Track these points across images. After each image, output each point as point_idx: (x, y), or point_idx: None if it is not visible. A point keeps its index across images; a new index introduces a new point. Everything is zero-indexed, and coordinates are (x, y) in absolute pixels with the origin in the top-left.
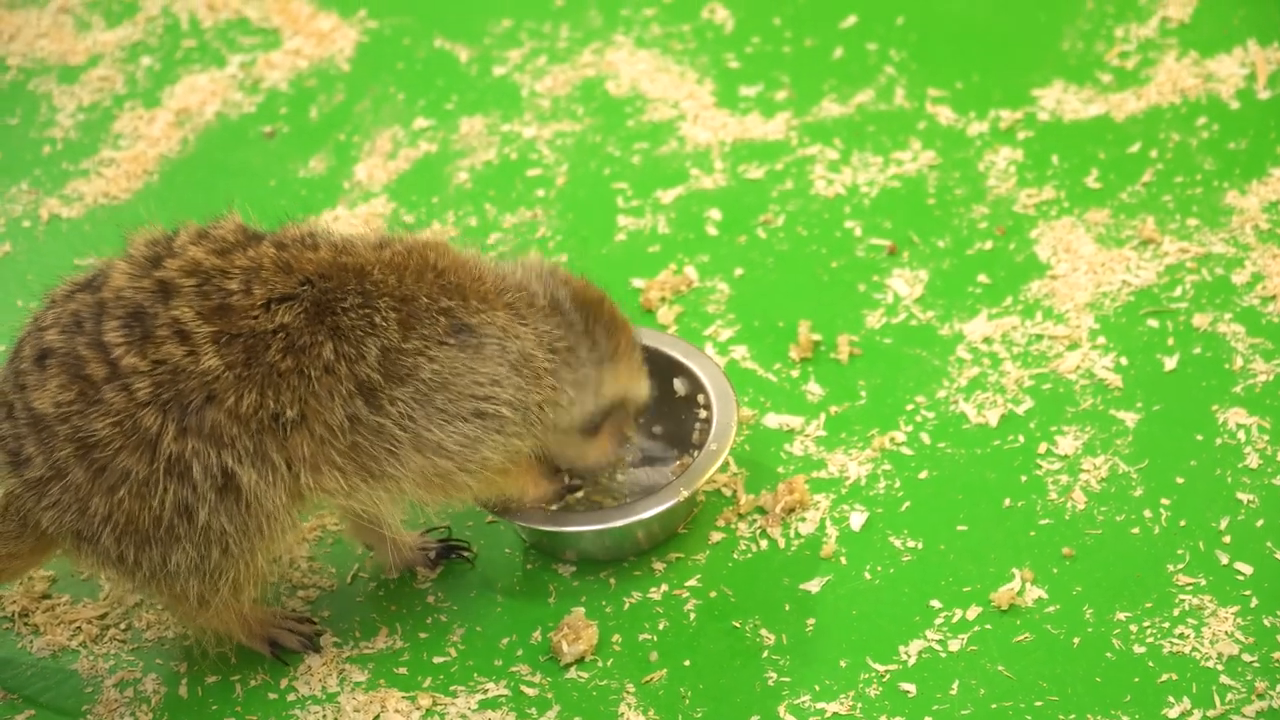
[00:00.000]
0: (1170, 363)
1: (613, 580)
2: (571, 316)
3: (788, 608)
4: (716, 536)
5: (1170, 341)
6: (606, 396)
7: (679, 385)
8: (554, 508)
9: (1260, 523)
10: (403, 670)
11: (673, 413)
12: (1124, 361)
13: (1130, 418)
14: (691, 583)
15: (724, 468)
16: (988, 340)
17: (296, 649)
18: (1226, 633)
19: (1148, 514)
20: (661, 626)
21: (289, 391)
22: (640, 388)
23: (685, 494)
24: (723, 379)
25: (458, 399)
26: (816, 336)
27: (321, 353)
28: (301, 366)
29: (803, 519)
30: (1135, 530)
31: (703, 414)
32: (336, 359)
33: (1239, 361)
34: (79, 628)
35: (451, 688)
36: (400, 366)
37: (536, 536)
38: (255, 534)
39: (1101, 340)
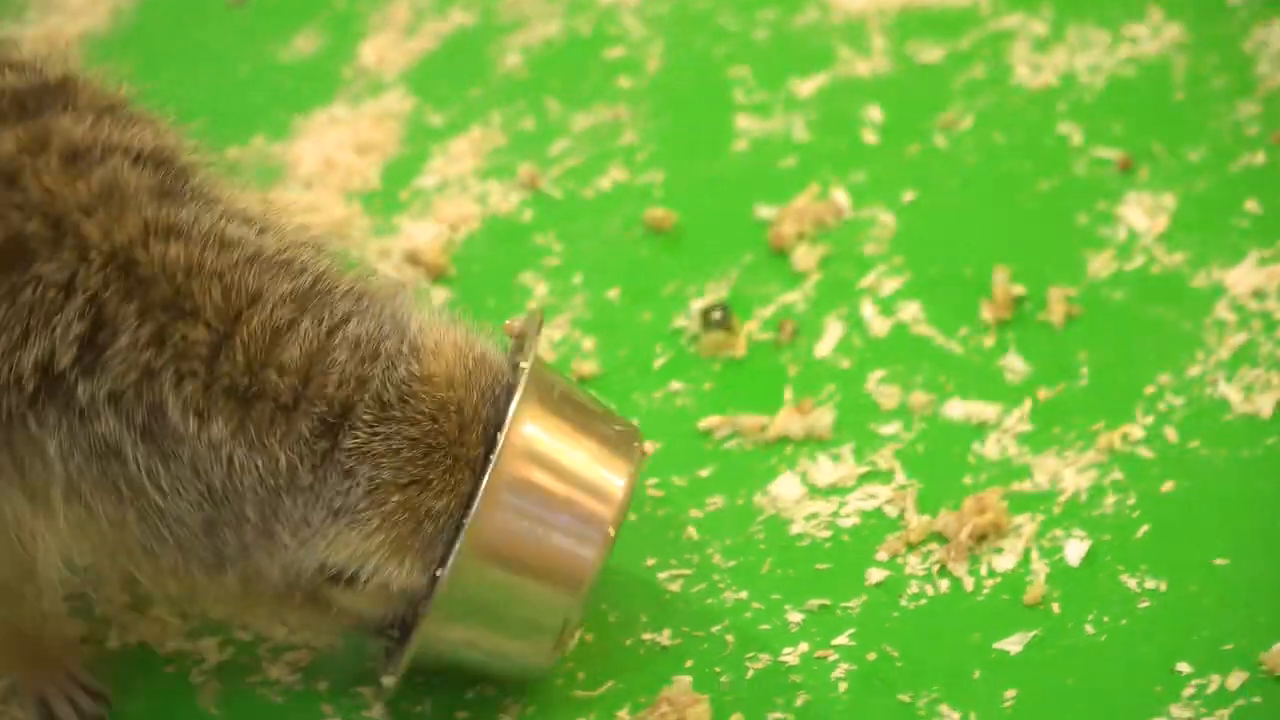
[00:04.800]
0: None
1: (730, 638)
2: (358, 435)
3: (978, 675)
4: (877, 575)
5: None
6: (333, 563)
7: None
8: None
9: None
10: None
11: None
12: None
13: None
14: (842, 640)
15: (888, 477)
16: (1259, 295)
17: None
18: None
19: None
20: (800, 702)
21: None
22: (387, 572)
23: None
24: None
25: (125, 485)
26: (1019, 290)
27: None
28: None
29: (999, 550)
30: None
31: None
32: None
33: None
34: None
35: None
36: (61, 394)
37: None
38: None
39: None
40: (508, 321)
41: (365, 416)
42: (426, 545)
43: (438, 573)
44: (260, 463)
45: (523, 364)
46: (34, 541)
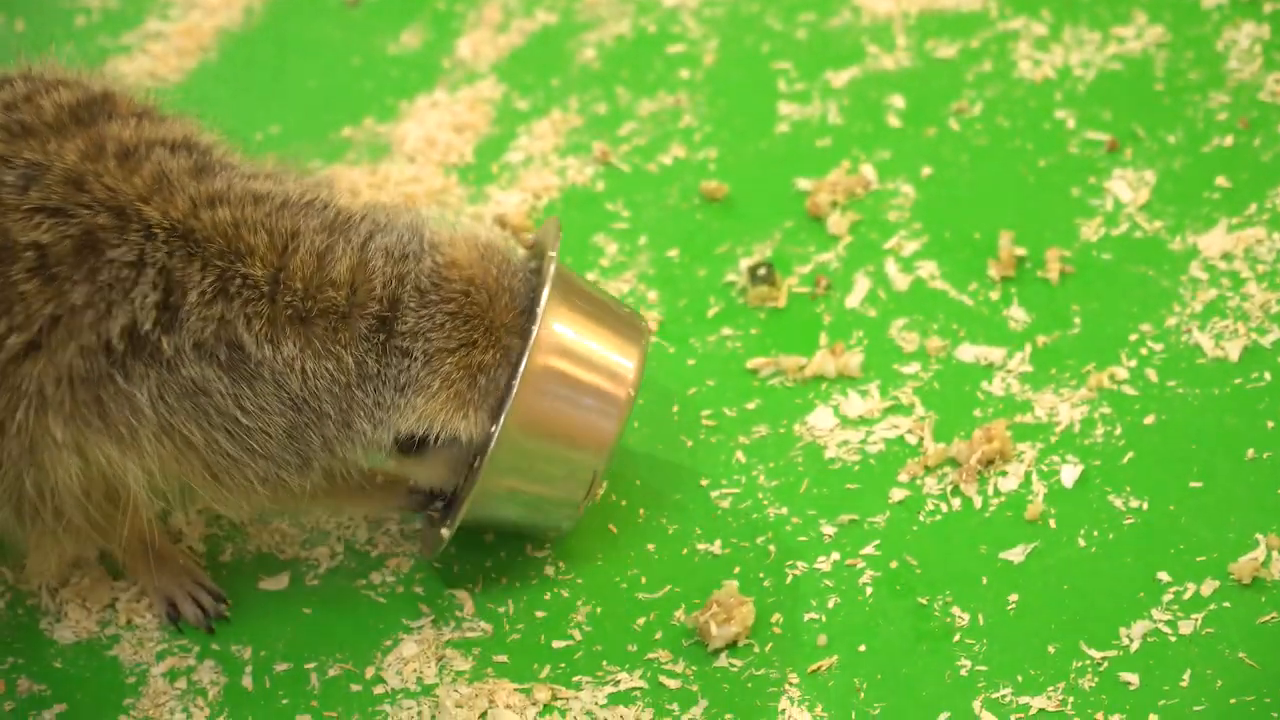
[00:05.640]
0: None
1: (772, 548)
2: (407, 320)
3: (985, 581)
4: (899, 494)
5: None
6: (406, 430)
7: None
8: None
9: None
10: (515, 658)
11: None
12: None
13: None
14: (868, 550)
15: (908, 410)
16: (1228, 256)
17: (192, 623)
18: None
19: None
20: (831, 604)
21: (23, 314)
22: (454, 426)
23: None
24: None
25: (215, 413)
26: (1021, 251)
27: (71, 295)
28: (46, 295)
29: (1003, 473)
30: None
31: None
32: (84, 307)
33: None
34: (112, 609)
35: (575, 678)
36: (148, 351)
37: None
38: (23, 464)
39: None
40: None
41: (410, 304)
42: (483, 396)
43: (493, 429)
44: (330, 366)
45: (550, 254)
46: (125, 478)
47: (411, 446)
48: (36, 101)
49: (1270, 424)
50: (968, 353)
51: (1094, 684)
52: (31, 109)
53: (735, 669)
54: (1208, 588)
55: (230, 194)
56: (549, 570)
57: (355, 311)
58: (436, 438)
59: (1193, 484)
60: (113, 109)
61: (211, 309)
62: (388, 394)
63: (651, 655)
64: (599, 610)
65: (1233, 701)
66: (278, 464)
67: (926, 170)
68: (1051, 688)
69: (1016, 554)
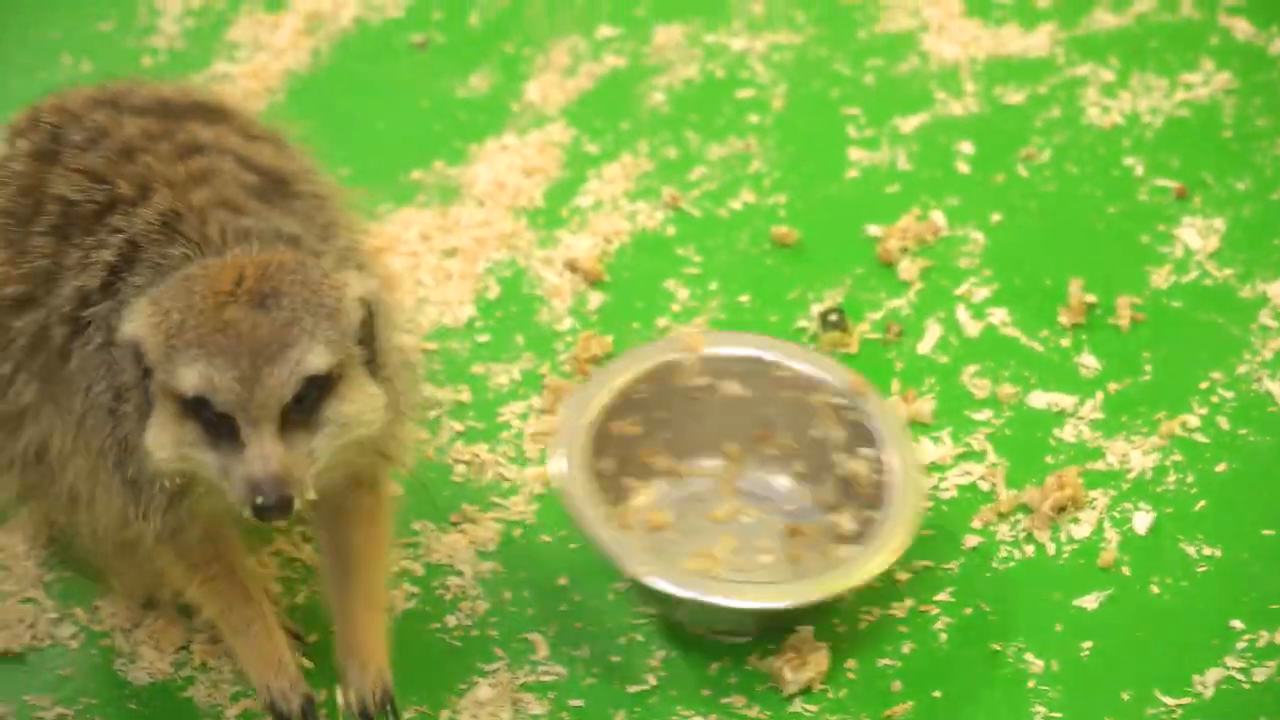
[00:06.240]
0: None
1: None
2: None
3: (1059, 628)
4: (972, 541)
5: None
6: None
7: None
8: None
9: None
10: (590, 702)
11: (813, 453)
12: None
13: None
14: (942, 597)
15: (980, 457)
16: None
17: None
18: None
19: None
20: (906, 650)
21: (27, 265)
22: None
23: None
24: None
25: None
26: (1091, 298)
27: (68, 255)
28: (48, 250)
29: (1076, 520)
30: None
31: (861, 466)
32: (72, 268)
33: None
34: (186, 650)
35: None
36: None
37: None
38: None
39: None
40: None
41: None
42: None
43: None
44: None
45: None
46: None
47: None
48: (136, 89)
49: None
50: (1039, 399)
51: None
52: (126, 92)
53: (810, 714)
54: None
55: (247, 216)
56: (624, 614)
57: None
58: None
59: (1265, 531)
60: (215, 117)
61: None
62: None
63: (726, 700)
64: (673, 654)
65: None
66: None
67: (996, 216)
68: None
69: (1090, 601)
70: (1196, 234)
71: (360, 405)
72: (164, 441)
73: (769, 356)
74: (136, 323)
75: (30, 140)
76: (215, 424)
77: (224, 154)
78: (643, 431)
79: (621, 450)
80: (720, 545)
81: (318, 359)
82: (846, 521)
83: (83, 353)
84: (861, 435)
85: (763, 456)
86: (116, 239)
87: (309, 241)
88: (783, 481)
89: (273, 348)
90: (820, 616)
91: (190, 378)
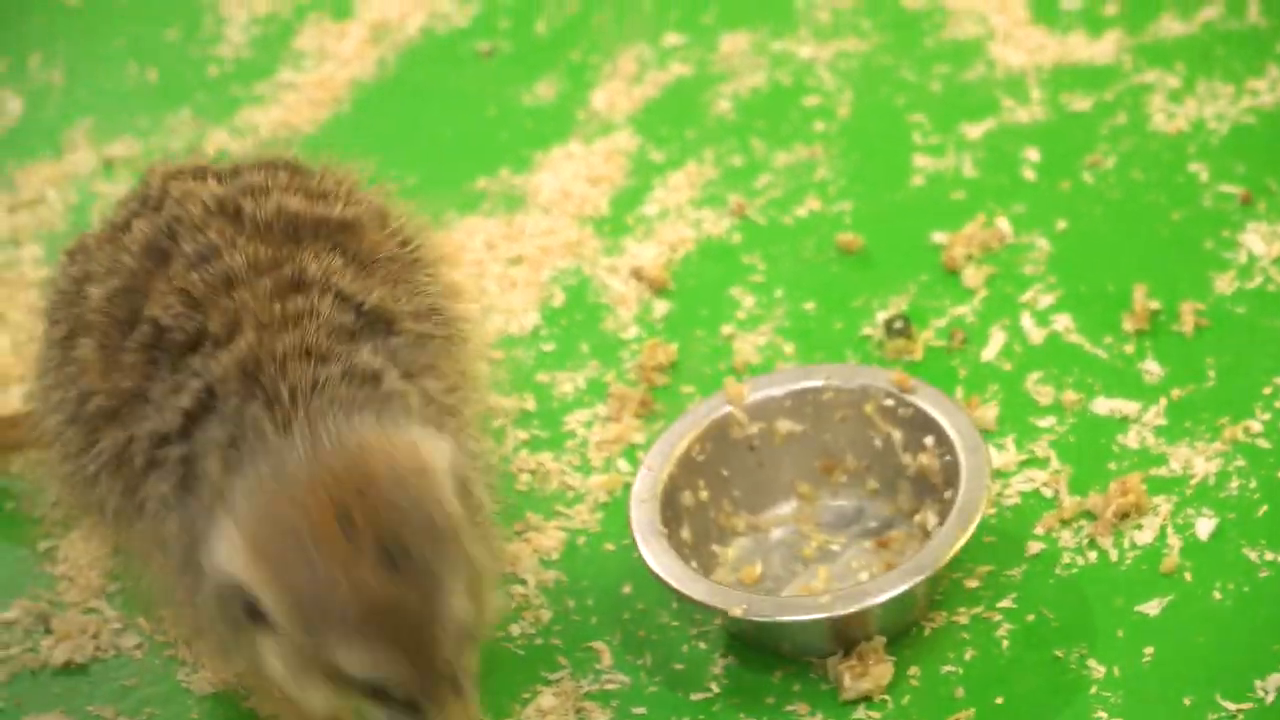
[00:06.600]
0: None
1: None
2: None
3: (1121, 634)
4: (1035, 547)
5: None
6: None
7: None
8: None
9: None
10: (653, 710)
11: (880, 463)
12: None
13: None
14: (1005, 604)
15: (1044, 463)
16: None
17: None
18: None
19: None
20: (969, 656)
21: (115, 382)
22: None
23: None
24: (965, 419)
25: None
26: (1155, 304)
27: (154, 384)
28: (136, 373)
29: (1139, 526)
30: None
31: (927, 457)
32: (153, 398)
33: None
34: None
35: None
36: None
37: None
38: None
39: None
40: None
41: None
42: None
43: None
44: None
45: None
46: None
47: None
48: (271, 195)
49: None
50: (1103, 406)
51: None
52: (257, 200)
53: None
54: None
55: (335, 359)
56: (686, 622)
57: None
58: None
59: None
60: (336, 241)
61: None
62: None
63: (790, 707)
64: (736, 662)
65: None
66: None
67: (1061, 224)
68: None
69: (1152, 607)
70: (1261, 240)
71: (488, 603)
72: (310, 695)
73: (812, 384)
74: (237, 565)
75: (148, 226)
76: (384, 694)
77: (326, 293)
78: (710, 496)
79: (695, 518)
80: (819, 578)
81: (464, 606)
82: (930, 517)
83: (156, 491)
84: (919, 426)
85: (835, 485)
86: (195, 384)
87: (390, 381)
88: (860, 501)
89: (434, 625)
90: (904, 622)
91: (355, 664)
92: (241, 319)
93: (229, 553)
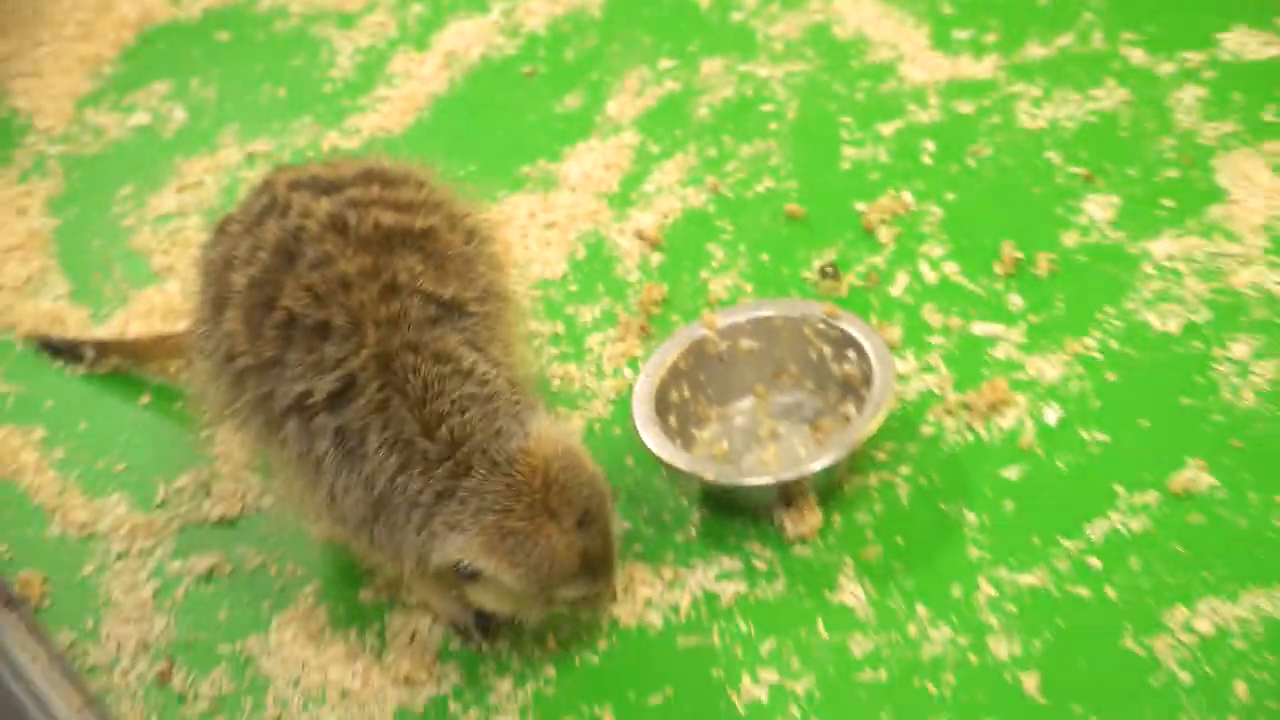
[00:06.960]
0: None
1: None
2: (473, 480)
3: (989, 493)
4: (927, 430)
5: None
6: (449, 557)
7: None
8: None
9: None
10: (649, 548)
11: (815, 370)
12: None
13: None
14: (904, 470)
15: (935, 370)
16: (1171, 258)
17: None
18: None
19: None
20: (877, 509)
21: (258, 349)
22: (481, 564)
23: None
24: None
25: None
26: (1019, 254)
27: (288, 353)
28: (276, 344)
29: (1004, 415)
30: None
31: (849, 367)
32: (291, 366)
33: None
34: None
35: (691, 562)
36: (303, 419)
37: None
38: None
39: (1274, 258)
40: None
41: (480, 470)
42: (509, 551)
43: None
44: (410, 487)
45: None
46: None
47: (463, 573)
48: (373, 213)
49: (1199, 379)
50: (979, 329)
51: (1067, 566)
52: (361, 215)
53: (807, 556)
54: (1151, 498)
55: (437, 352)
56: (673, 485)
57: (444, 464)
58: (471, 572)
59: (1141, 422)
60: (416, 249)
61: (366, 411)
62: (438, 525)
63: (747, 545)
64: (709, 514)
65: (1169, 580)
66: (360, 535)
67: (950, 196)
68: (1036, 568)
69: (1012, 473)
70: (1098, 207)
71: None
72: (524, 613)
73: (765, 313)
74: (474, 558)
75: (278, 229)
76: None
77: (413, 295)
78: (690, 394)
79: (679, 410)
80: (769, 453)
81: (617, 534)
82: (851, 409)
83: (294, 435)
84: (844, 343)
85: (782, 386)
86: (337, 372)
87: (467, 359)
88: (800, 397)
89: (612, 555)
90: (831, 484)
91: (572, 594)
92: (361, 317)
93: (463, 549)
